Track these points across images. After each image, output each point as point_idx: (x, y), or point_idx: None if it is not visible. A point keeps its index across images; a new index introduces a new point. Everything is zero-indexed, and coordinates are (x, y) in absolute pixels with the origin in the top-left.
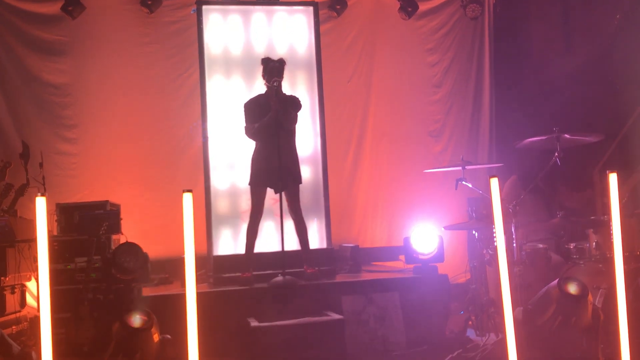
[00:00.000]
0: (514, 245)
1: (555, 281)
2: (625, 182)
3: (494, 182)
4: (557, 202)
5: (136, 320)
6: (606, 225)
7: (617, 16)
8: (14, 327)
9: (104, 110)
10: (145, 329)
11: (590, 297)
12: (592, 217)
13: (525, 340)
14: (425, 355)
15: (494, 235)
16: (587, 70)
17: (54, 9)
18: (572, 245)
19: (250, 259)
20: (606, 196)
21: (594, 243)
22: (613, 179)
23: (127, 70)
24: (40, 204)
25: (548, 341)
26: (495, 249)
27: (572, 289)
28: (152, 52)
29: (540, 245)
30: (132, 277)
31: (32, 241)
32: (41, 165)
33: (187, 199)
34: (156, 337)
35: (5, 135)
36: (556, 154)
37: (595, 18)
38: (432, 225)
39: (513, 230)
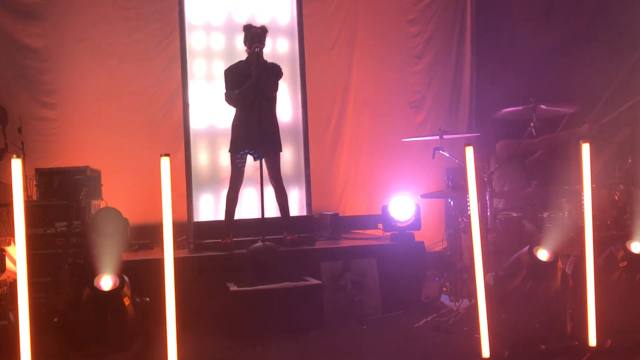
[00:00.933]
0: (488, 213)
1: (526, 248)
2: (599, 154)
3: (469, 151)
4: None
5: (105, 282)
6: (579, 195)
7: None
8: None
9: (84, 75)
10: (114, 292)
11: (560, 264)
12: (566, 187)
13: (496, 305)
14: (401, 320)
15: (469, 203)
16: (568, 42)
17: None
18: (545, 214)
19: (230, 226)
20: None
21: (567, 212)
22: (586, 149)
23: (107, 35)
24: (16, 166)
25: (518, 306)
26: (469, 216)
27: (542, 255)
28: (133, 17)
29: (514, 214)
30: (112, 241)
31: (10, 205)
32: (20, 130)
33: (165, 163)
34: (127, 301)
35: None
36: (531, 124)
37: None
38: (409, 194)
39: (487, 198)
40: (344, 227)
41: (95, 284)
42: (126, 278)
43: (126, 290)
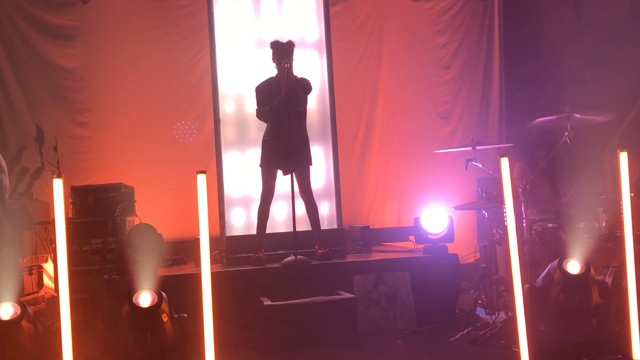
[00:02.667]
0: (524, 224)
1: (556, 261)
2: (635, 162)
3: (505, 162)
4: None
5: (144, 299)
6: (616, 204)
7: None
8: (32, 307)
9: (116, 94)
10: (153, 308)
11: (593, 275)
12: (602, 196)
13: (533, 318)
14: (436, 333)
15: (504, 214)
16: (598, 50)
17: None
18: (581, 225)
19: (262, 240)
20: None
21: (604, 222)
22: (623, 157)
23: (138, 54)
24: (57, 186)
25: (555, 318)
26: (505, 228)
27: (573, 268)
28: (163, 36)
29: (550, 225)
30: (147, 257)
31: (48, 223)
32: (55, 149)
33: (201, 180)
34: (165, 317)
35: (19, 120)
36: (566, 134)
37: None
38: (442, 205)
39: (523, 209)
40: (374, 240)
41: (134, 300)
42: (164, 294)
43: (164, 306)
